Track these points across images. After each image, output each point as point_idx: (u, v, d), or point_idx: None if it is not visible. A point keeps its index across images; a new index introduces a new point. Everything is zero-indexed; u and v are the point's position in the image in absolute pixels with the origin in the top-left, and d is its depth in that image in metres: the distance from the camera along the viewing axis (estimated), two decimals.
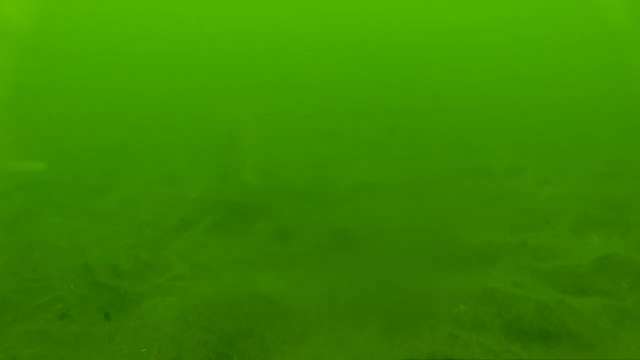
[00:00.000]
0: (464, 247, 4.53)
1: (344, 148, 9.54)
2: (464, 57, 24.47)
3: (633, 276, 3.73)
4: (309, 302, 3.69)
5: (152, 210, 6.17)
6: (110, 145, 10.28)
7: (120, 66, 23.21)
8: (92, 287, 3.94)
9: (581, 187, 6.15)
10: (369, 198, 6.45)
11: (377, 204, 6.16)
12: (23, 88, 15.59)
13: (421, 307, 3.47)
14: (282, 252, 4.75)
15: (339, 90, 17.63)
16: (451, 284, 3.82)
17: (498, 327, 3.24)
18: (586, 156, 7.78)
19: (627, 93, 12.55)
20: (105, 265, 4.40)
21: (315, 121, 12.57)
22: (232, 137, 8.97)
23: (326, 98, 15.98)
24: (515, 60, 22.66)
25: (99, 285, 3.96)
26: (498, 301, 3.45)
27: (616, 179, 6.35)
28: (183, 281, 4.19)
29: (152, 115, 13.55)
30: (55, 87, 18.03)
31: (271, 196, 6.39)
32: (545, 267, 4.04)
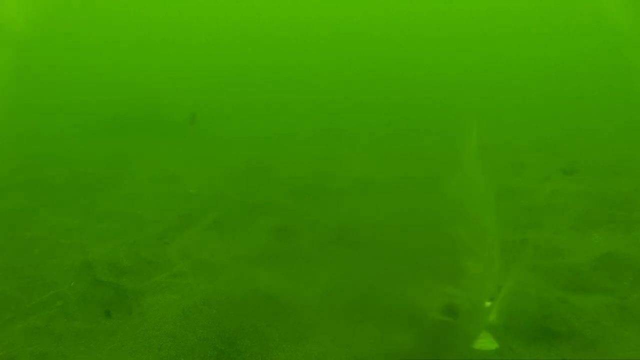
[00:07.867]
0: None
1: (344, 143, 9.51)
2: (465, 51, 24.40)
3: (635, 274, 3.72)
4: (309, 299, 3.68)
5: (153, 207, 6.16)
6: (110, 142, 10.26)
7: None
8: (92, 284, 3.94)
9: (583, 183, 6.12)
10: (368, 194, 6.43)
11: (376, 201, 6.14)
12: (24, 83, 15.60)
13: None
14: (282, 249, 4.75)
15: (340, 84, 17.59)
16: None
17: (499, 324, 3.23)
18: (588, 152, 7.74)
19: (630, 88, 12.48)
20: (106, 262, 4.40)
21: (315, 116, 12.54)
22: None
23: (327, 92, 15.94)
24: (516, 56, 22.59)
25: (99, 283, 3.96)
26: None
27: (618, 176, 6.32)
28: (184, 278, 4.19)
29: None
30: (55, 81, 18.04)
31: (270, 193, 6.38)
32: (546, 264, 4.03)
